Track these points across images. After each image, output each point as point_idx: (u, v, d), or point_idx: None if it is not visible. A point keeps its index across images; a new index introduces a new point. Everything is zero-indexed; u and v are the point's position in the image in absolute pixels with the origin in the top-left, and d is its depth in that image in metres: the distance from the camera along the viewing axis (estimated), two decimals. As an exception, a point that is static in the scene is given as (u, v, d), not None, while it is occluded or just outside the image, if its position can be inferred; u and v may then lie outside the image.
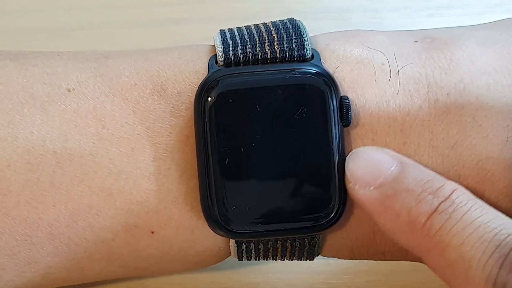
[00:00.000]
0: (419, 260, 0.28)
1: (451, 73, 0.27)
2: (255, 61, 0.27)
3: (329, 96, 0.26)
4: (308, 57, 0.27)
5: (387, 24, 0.41)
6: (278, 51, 0.27)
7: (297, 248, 0.28)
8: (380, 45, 0.28)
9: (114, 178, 0.26)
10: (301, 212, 0.27)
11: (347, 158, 0.26)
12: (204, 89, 0.26)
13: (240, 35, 0.27)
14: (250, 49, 0.27)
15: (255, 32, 0.27)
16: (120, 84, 0.27)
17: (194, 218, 0.27)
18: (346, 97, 0.26)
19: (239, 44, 0.27)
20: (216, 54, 0.27)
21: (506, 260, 0.22)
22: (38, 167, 0.26)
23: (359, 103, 0.27)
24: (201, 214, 0.27)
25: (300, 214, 0.27)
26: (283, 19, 0.28)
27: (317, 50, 0.27)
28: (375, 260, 0.29)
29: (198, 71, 0.27)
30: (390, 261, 0.29)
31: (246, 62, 0.27)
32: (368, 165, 0.26)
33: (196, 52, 0.28)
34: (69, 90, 0.27)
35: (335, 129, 0.26)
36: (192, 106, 0.26)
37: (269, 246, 0.28)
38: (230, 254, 0.28)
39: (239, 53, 0.27)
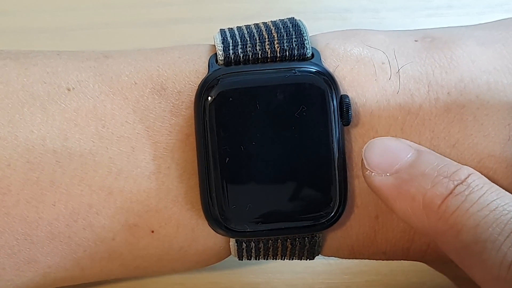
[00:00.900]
0: (419, 260, 0.28)
1: (451, 72, 0.27)
2: (255, 60, 0.27)
3: (329, 95, 0.26)
4: (308, 56, 0.27)
5: (387, 24, 0.41)
6: (278, 50, 0.27)
7: (297, 247, 0.28)
8: (380, 44, 0.28)
9: (114, 177, 0.26)
10: (301, 211, 0.26)
11: (364, 147, 0.26)
12: (204, 88, 0.26)
13: (240, 34, 0.27)
14: (250, 48, 0.27)
15: (255, 31, 0.27)
16: (120, 83, 0.27)
17: (194, 217, 0.27)
18: (346, 96, 0.26)
19: (239, 43, 0.27)
20: (216, 53, 0.27)
21: None
22: (38, 166, 0.26)
23: (360, 102, 0.27)
24: (201, 213, 0.27)
25: (300, 213, 0.27)
26: (283, 18, 0.28)
27: (317, 49, 0.27)
28: (376, 259, 0.29)
29: (198, 70, 0.27)
30: (390, 261, 0.29)
31: (246, 61, 0.27)
32: (385, 153, 0.26)
33: (196, 51, 0.28)
34: (69, 89, 0.27)
35: (335, 128, 0.26)
36: (192, 105, 0.26)
37: (269, 245, 0.28)
38: (230, 254, 0.28)
39: (239, 52, 0.27)
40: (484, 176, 0.25)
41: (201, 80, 0.26)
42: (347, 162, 0.27)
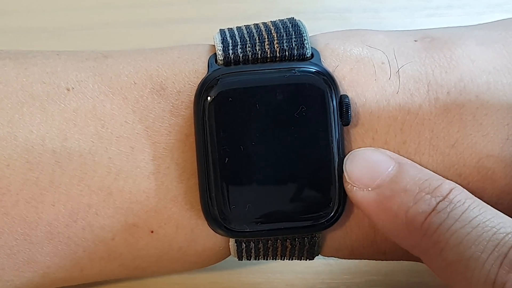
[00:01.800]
0: (419, 260, 0.28)
1: (451, 72, 0.27)
2: (255, 60, 0.27)
3: (329, 95, 0.26)
4: (308, 56, 0.27)
5: (387, 24, 0.41)
6: (277, 50, 0.27)
7: (297, 247, 0.28)
8: (380, 44, 0.28)
9: (113, 177, 0.26)
10: (301, 211, 0.26)
11: (345, 159, 0.26)
12: (204, 88, 0.26)
13: (240, 34, 0.27)
14: (249, 48, 0.27)
15: (254, 31, 0.27)
16: (120, 83, 0.27)
17: (193, 217, 0.27)
18: (346, 96, 0.26)
19: (239, 43, 0.27)
20: (215, 53, 0.27)
21: (505, 259, 0.22)
22: (38, 166, 0.26)
23: (359, 102, 0.27)
24: (201, 213, 0.27)
25: (299, 213, 0.26)
26: (283, 18, 0.28)
27: (316, 49, 0.27)
28: (376, 259, 0.29)
29: (198, 70, 0.27)
30: (390, 261, 0.29)
31: (245, 61, 0.27)
32: (366, 167, 0.26)
33: (196, 51, 0.28)
34: (68, 89, 0.27)
35: (335, 128, 0.26)
36: (192, 105, 0.26)
37: (269, 246, 0.28)
38: (230, 254, 0.28)
39: (238, 52, 0.27)
40: (483, 175, 0.25)
41: (200, 80, 0.26)
42: (347, 162, 0.27)
